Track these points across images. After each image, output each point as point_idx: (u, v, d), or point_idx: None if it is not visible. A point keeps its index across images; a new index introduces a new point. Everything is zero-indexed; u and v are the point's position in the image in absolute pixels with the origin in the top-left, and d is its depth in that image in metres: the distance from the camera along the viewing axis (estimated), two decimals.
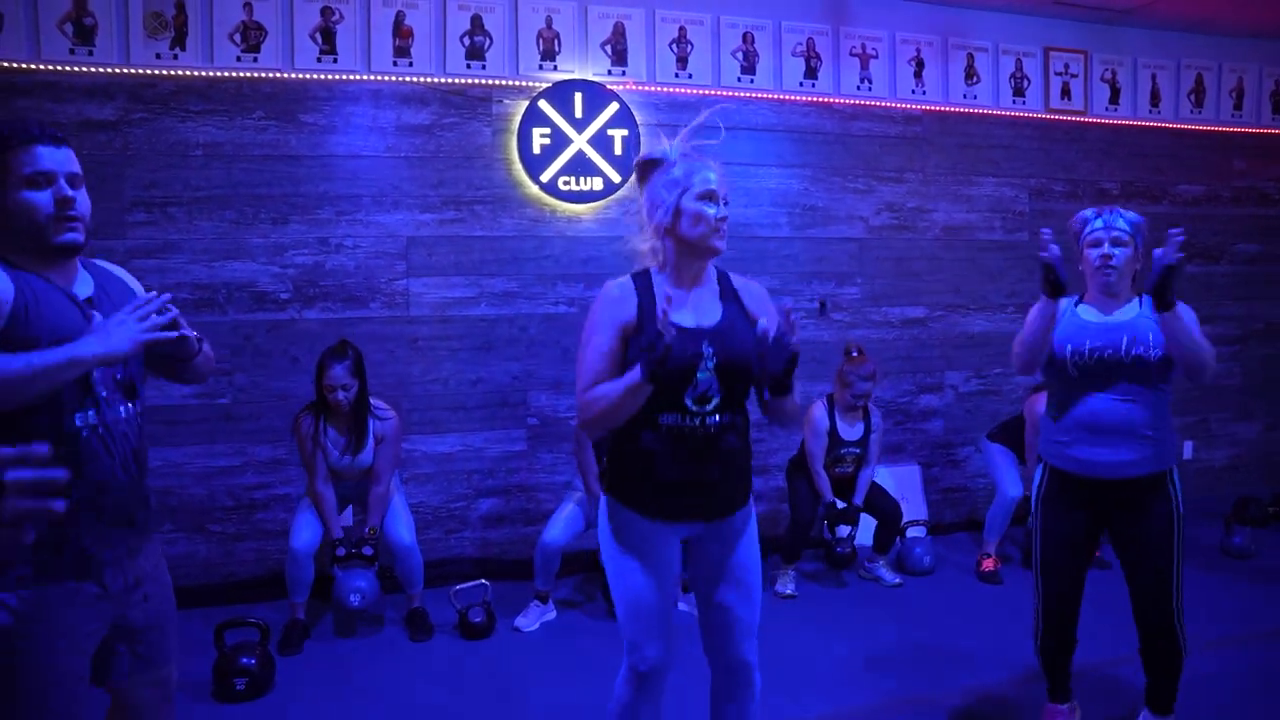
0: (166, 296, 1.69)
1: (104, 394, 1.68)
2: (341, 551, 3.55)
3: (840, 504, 4.24)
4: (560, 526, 3.81)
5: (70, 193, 1.64)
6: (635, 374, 1.87)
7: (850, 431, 4.26)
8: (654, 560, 2.06)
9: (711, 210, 1.99)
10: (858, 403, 4.21)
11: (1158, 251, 2.30)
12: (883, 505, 4.28)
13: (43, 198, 1.61)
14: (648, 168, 2.11)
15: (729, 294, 2.11)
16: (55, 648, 1.62)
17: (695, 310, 2.04)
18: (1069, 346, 2.53)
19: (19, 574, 1.58)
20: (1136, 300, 2.57)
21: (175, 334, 1.70)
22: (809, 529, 4.26)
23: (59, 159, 1.64)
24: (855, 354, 4.23)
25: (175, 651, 1.92)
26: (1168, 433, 2.53)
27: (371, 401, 3.66)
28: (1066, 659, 2.74)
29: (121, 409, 1.72)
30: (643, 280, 2.07)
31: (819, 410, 4.24)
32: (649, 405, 1.96)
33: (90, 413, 1.65)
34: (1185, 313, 2.45)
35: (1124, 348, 2.47)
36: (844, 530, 4.20)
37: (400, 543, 3.67)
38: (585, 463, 3.80)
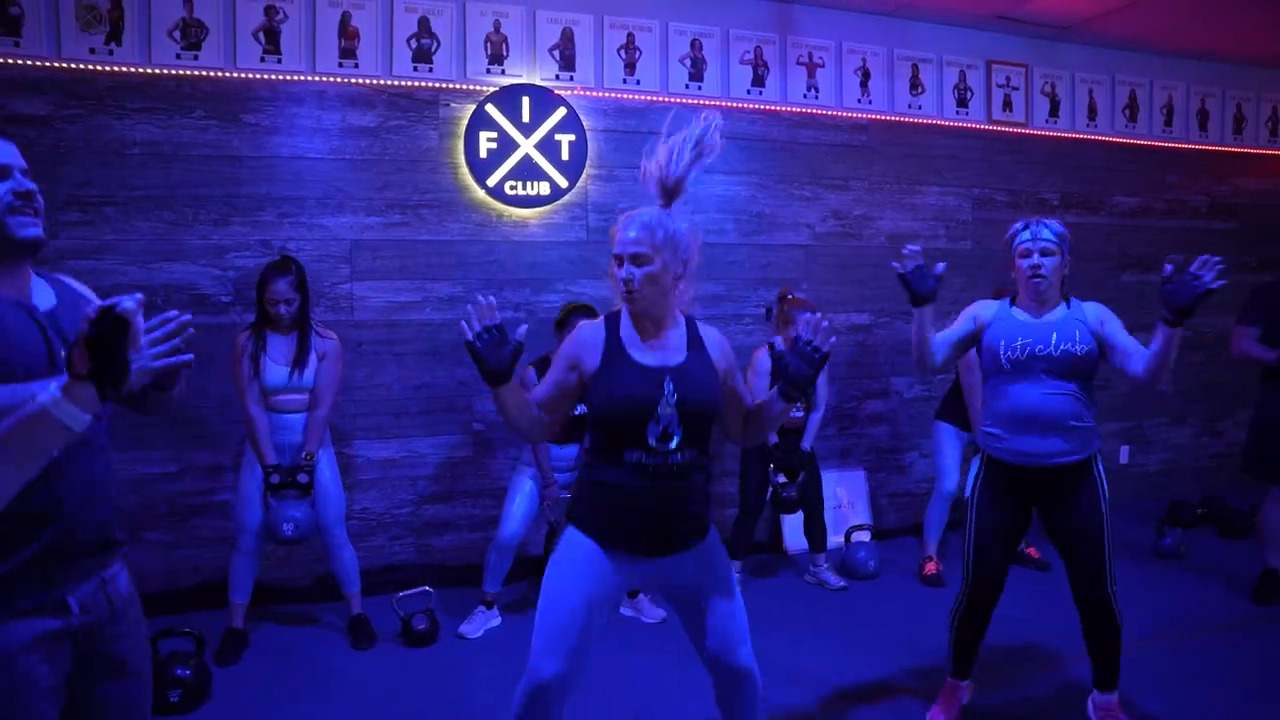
0: (185, 316, 1.37)
1: None
2: (276, 479, 3.42)
3: (785, 482, 4.18)
4: (517, 518, 3.76)
5: (31, 185, 1.48)
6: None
7: None
8: (595, 584, 2.10)
9: (619, 273, 2.10)
10: None
11: (1168, 267, 2.47)
12: (806, 494, 4.23)
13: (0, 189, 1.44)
14: None
15: (695, 341, 2.19)
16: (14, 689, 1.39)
17: (660, 351, 2.13)
18: (1002, 341, 2.72)
19: None
20: (1063, 303, 2.76)
21: (188, 358, 1.38)
22: (756, 518, 4.27)
23: (10, 152, 1.49)
24: (792, 296, 4.19)
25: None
26: (1091, 423, 2.72)
27: (313, 320, 3.58)
28: (978, 639, 2.91)
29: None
30: (612, 323, 2.17)
31: (762, 353, 4.16)
32: (615, 441, 2.06)
33: None
34: (1111, 317, 2.73)
35: (1052, 344, 2.66)
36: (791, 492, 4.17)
37: (325, 518, 3.55)
38: (539, 450, 3.76)
